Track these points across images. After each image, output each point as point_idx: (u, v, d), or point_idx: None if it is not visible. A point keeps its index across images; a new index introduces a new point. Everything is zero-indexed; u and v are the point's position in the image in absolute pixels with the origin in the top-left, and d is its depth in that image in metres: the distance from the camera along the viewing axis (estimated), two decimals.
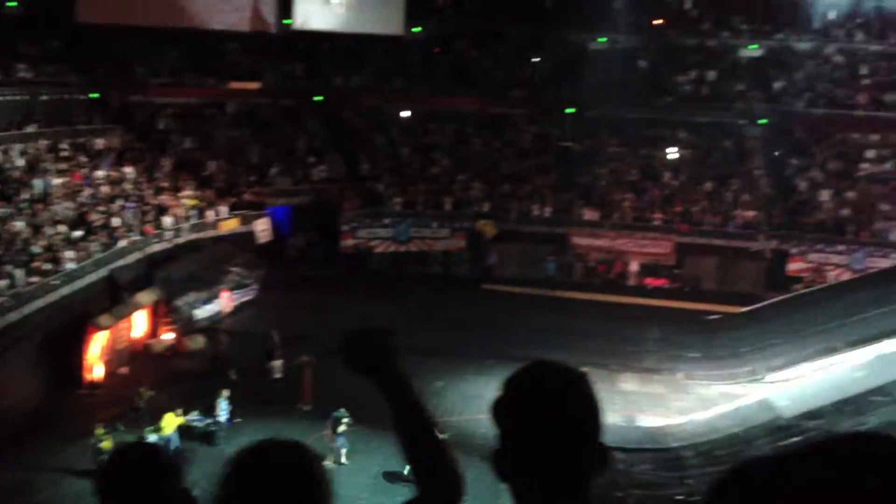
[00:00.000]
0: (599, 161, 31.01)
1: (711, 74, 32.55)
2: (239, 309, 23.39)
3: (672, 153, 30.91)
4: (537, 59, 33.34)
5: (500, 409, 1.63)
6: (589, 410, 1.64)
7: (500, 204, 29.31)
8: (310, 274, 25.37)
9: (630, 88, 31.50)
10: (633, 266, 27.92)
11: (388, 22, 31.25)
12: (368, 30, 31.28)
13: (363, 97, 31.91)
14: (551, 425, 1.59)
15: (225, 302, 23.17)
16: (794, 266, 26.86)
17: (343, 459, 15.01)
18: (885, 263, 25.18)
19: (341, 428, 15.05)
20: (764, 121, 30.69)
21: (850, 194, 28.76)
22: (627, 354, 20.22)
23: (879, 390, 15.52)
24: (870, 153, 30.21)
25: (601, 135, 31.58)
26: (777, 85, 31.93)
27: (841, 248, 26.88)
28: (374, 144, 31.44)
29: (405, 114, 31.95)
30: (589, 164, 30.78)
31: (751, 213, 28.60)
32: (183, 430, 15.41)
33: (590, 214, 29.14)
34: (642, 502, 13.44)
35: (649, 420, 16.81)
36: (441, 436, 1.91)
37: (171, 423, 15.17)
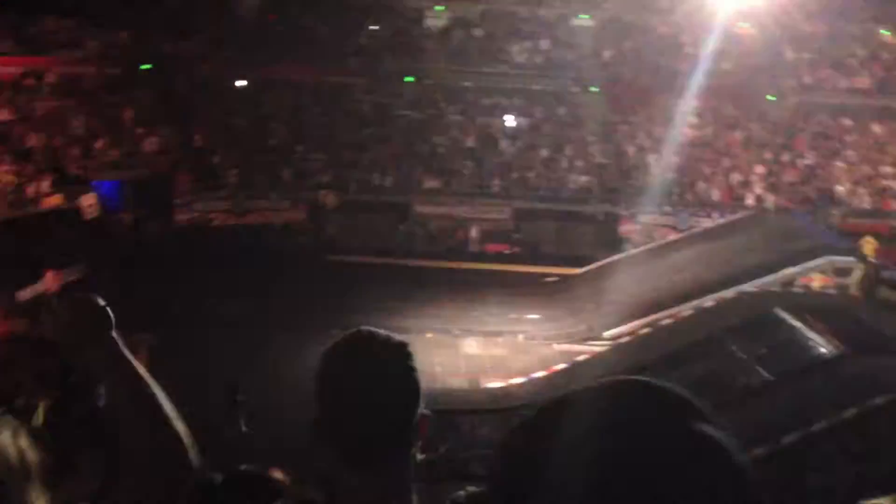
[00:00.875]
0: (439, 129, 31.24)
1: (545, 43, 33.28)
2: (66, 288, 22.11)
3: (509, 121, 31.52)
4: (375, 28, 33.09)
5: (317, 380, 1.67)
6: (405, 379, 1.67)
7: (341, 174, 29.05)
8: (142, 250, 24.30)
9: (466, 57, 31.86)
10: (474, 232, 28.36)
11: None
12: None
13: (195, 66, 30.70)
14: (365, 395, 1.62)
15: (50, 281, 21.87)
16: (625, 227, 28.05)
17: None
18: (707, 223, 26.68)
19: None
20: (595, 88, 31.72)
21: (674, 158, 30.23)
22: (471, 319, 20.53)
23: (702, 342, 16.44)
24: (691, 119, 31.85)
25: (440, 104, 31.81)
26: (607, 54, 33.03)
27: (667, 209, 28.30)
28: (208, 115, 30.37)
29: (240, 83, 31.02)
30: (428, 132, 30.95)
31: (584, 178, 29.63)
32: None
33: (431, 183, 29.35)
34: (487, 461, 13.68)
35: (492, 382, 17.13)
36: (168, 427, 1.83)
37: None
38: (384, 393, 1.62)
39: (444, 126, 31.47)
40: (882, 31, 33.61)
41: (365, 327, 1.72)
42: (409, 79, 31.06)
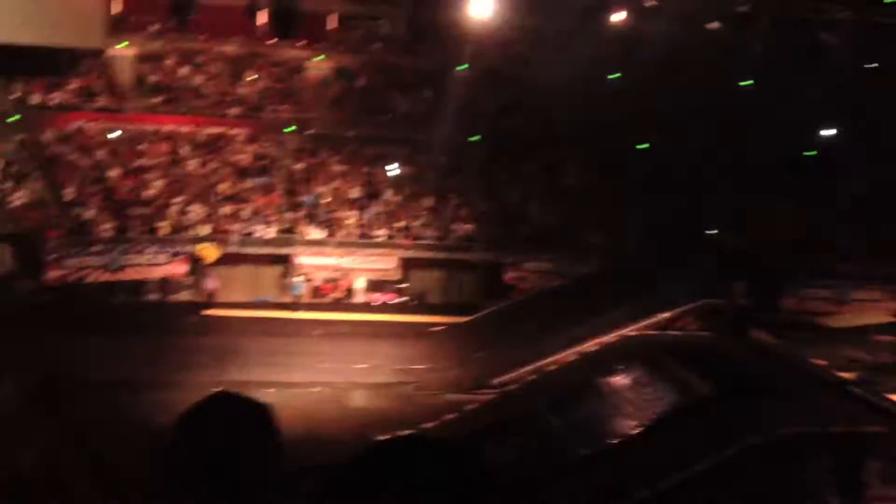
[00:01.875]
0: (322, 179, 31.05)
1: (428, 93, 33.64)
2: None
3: (392, 170, 31.62)
4: (254, 77, 32.80)
5: (172, 443, 1.72)
6: (259, 440, 1.74)
7: (221, 226, 28.45)
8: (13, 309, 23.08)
9: (349, 106, 31.95)
10: (360, 283, 28.17)
11: (87, 36, 29.02)
12: (66, 44, 28.93)
13: (65, 117, 29.67)
14: (215, 455, 1.69)
15: None
16: (509, 275, 28.39)
17: None
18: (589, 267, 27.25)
19: None
20: (477, 137, 32.21)
21: (556, 205, 30.92)
22: (356, 371, 20.26)
23: (585, 386, 16.70)
24: (570, 168, 32.71)
25: (322, 153, 31.68)
26: (488, 104, 33.61)
27: (548, 255, 28.81)
28: (80, 167, 29.25)
29: (113, 134, 30.08)
30: (311, 182, 30.73)
31: (468, 226, 29.95)
32: None
33: (314, 233, 29.08)
34: None
35: (381, 435, 16.86)
36: None
37: None
38: (235, 453, 1.68)
39: (328, 176, 31.30)
40: None
41: (223, 390, 1.80)
42: (289, 129, 30.90)
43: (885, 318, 26.14)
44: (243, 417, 1.74)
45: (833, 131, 30.99)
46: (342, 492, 1.41)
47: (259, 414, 1.76)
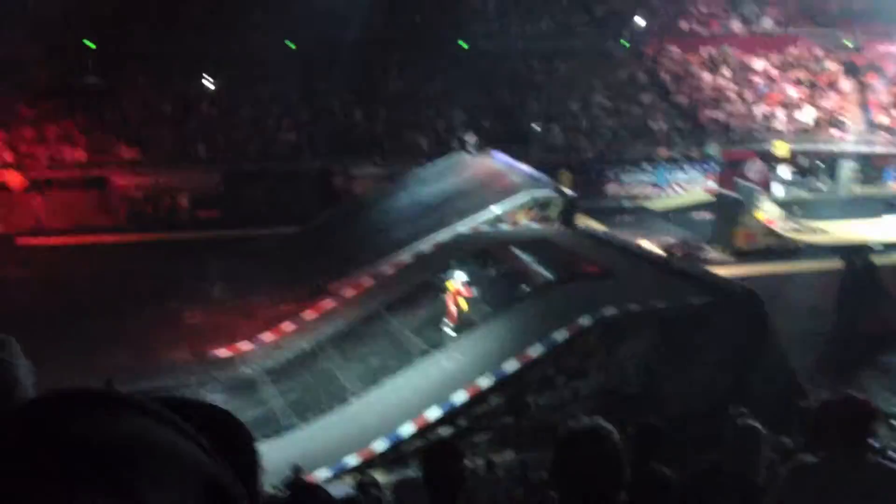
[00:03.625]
0: (130, 96, 29.27)
1: (230, 2, 32.02)
2: None
3: (207, 83, 30.22)
4: None
5: None
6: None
7: (26, 152, 26.42)
8: None
9: (149, 20, 30.06)
10: (183, 200, 27.04)
11: None
12: None
13: None
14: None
15: None
16: (338, 182, 28.03)
17: None
18: (418, 168, 27.22)
19: None
20: (292, 45, 31.16)
21: (381, 110, 30.59)
22: (191, 289, 19.59)
23: (425, 286, 16.85)
24: (394, 71, 32.33)
25: (128, 69, 29.76)
26: (301, 10, 32.42)
27: (378, 160, 28.67)
28: None
29: None
30: (118, 100, 28.93)
31: (293, 136, 29.20)
32: None
33: (128, 153, 27.52)
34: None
35: (219, 351, 16.49)
36: None
37: None
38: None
39: (136, 92, 29.49)
40: None
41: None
42: (89, 45, 28.81)
43: (703, 198, 27.86)
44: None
45: None
46: None
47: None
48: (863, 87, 34.54)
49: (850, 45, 35.87)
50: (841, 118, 32.91)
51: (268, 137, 29.10)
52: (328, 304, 17.72)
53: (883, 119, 33.11)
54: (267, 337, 16.85)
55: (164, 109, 29.31)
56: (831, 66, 35.51)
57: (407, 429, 12.81)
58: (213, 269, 21.09)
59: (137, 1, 30.54)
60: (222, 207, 27.27)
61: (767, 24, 37.07)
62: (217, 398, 13.81)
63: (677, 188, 30.29)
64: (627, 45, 35.33)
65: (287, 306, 18.23)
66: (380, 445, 12.70)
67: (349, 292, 18.08)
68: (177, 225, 25.89)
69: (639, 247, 19.39)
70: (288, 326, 17.09)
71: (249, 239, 23.59)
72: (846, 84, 34.74)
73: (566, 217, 20.41)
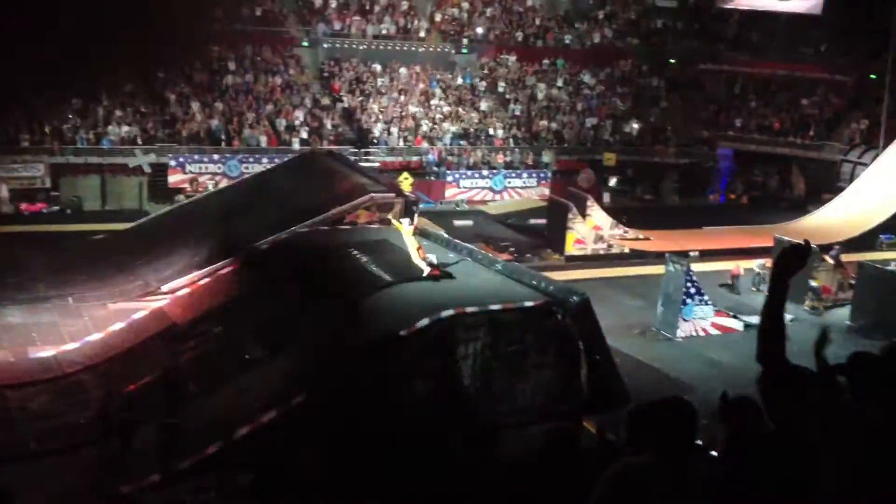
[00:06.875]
0: None
1: None
2: None
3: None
4: None
5: None
6: None
7: None
8: None
9: None
10: (4, 192, 25.55)
11: None
12: None
13: None
14: None
15: None
16: (173, 178, 27.24)
17: None
18: (258, 168, 26.87)
19: None
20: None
21: (218, 105, 29.93)
22: (9, 286, 18.51)
23: (262, 286, 16.64)
24: (231, 65, 31.69)
25: None
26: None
27: (216, 157, 28.02)
28: None
29: None
30: None
31: (126, 129, 28.11)
32: None
33: None
34: (46, 433, 12.59)
35: (42, 351, 15.69)
36: None
37: None
38: None
39: None
40: None
41: None
42: None
43: (537, 204, 28.92)
44: None
45: None
46: None
47: None
48: (686, 103, 36.83)
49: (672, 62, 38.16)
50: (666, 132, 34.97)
51: (98, 128, 27.89)
52: (160, 303, 17.19)
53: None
54: (94, 337, 16.19)
55: None
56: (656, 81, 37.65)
57: None
58: (37, 266, 20.02)
59: None
60: (47, 201, 25.96)
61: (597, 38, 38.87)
62: (42, 400, 13.25)
63: (514, 193, 31.23)
64: (467, 52, 36.14)
65: (115, 305, 17.56)
66: None
67: (183, 292, 17.58)
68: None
69: (476, 250, 19.82)
70: (116, 327, 16.47)
71: (78, 234, 22.55)
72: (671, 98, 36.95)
73: (406, 219, 20.57)
